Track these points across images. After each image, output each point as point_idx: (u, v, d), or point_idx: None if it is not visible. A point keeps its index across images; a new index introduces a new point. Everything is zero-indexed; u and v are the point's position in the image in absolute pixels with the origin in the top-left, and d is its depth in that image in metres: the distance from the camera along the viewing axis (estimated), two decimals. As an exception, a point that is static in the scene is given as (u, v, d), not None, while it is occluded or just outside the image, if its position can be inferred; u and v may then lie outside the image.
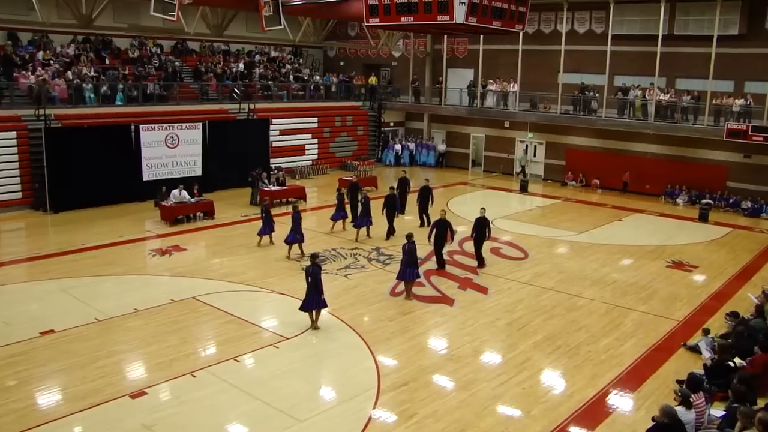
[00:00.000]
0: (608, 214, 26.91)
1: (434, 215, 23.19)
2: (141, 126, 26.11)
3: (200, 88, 31.54)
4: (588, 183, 32.53)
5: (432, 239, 18.22)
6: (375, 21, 17.08)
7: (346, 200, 22.90)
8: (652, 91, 29.70)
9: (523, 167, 34.36)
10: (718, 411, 10.43)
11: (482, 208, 18.70)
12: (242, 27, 35.48)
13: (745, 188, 28.44)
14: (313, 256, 14.15)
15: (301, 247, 19.54)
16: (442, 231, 18.94)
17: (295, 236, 19.17)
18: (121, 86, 28.33)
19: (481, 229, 18.41)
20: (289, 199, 26.89)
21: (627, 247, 21.93)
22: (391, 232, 21.42)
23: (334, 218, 22.39)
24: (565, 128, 33.20)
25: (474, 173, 37.23)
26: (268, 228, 20.36)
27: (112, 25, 30.18)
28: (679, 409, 9.67)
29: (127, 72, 29.69)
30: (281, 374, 12.16)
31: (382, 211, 21.23)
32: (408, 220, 23.04)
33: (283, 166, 32.05)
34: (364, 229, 21.49)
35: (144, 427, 10.35)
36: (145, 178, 26.30)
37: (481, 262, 18.54)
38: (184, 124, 27.50)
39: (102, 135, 25.25)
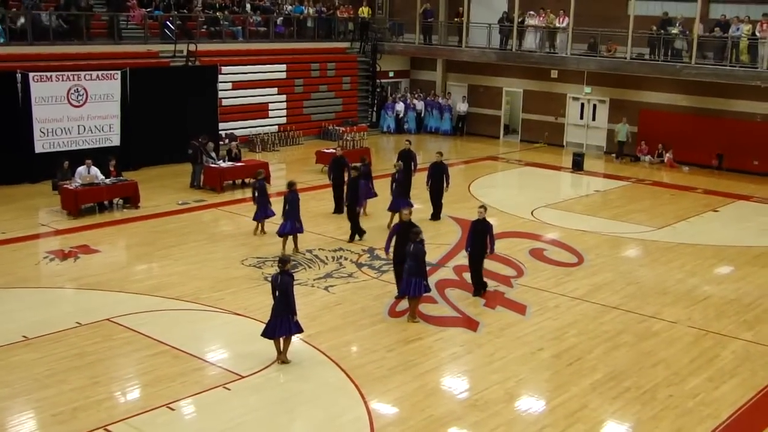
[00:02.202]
0: (698, 202, 26.95)
1: (452, 203, 23.28)
2: (30, 74, 25.97)
3: (117, 21, 31.44)
4: (674, 158, 32.55)
5: (428, 186, 21.59)
6: None
7: (329, 180, 23.40)
8: (764, 26, 29.70)
9: (621, 144, 33.76)
10: None
11: (481, 207, 17.97)
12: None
13: None
14: (283, 262, 14.13)
15: (296, 240, 19.99)
16: (439, 176, 20.26)
17: (294, 225, 19.79)
18: None
19: (480, 237, 17.59)
20: (246, 180, 26.88)
21: (725, 248, 21.93)
22: (355, 231, 21.31)
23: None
24: (638, 80, 33.19)
25: (507, 144, 37.24)
26: (264, 210, 21.19)
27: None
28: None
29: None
30: (235, 428, 12.10)
31: (344, 202, 21.28)
32: (414, 212, 23.00)
33: (238, 133, 32.03)
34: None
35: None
36: (38, 149, 26.23)
37: (481, 287, 18.15)
38: (94, 73, 27.39)
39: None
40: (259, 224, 21.51)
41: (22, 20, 28.51)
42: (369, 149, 30.62)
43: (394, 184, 22.40)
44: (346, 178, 22.54)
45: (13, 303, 16.62)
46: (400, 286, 16.79)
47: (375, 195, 23.51)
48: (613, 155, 33.84)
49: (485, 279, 17.88)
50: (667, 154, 32.46)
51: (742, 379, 14.20)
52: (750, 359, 15.02)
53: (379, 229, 21.77)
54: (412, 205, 22.16)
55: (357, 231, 21.21)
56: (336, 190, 23.35)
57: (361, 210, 21.85)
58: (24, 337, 14.90)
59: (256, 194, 21.36)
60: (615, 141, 33.78)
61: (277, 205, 20.96)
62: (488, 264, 19.45)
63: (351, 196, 21.24)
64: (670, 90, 32.75)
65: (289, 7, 38.63)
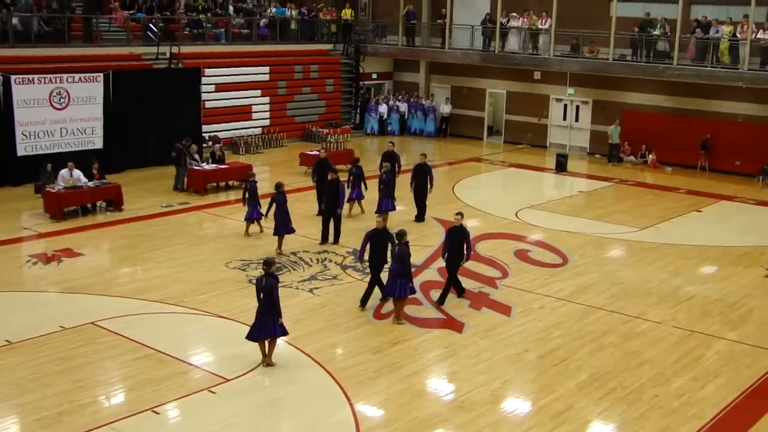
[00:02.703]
0: (682, 202, 27.05)
1: (436, 204, 23.29)
2: (12, 77, 25.84)
3: (99, 24, 31.28)
4: (657, 159, 32.65)
5: (412, 187, 22.50)
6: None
7: (313, 182, 23.41)
8: (745, 27, 29.88)
9: (613, 146, 33.43)
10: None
11: (458, 213, 17.44)
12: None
13: None
14: (268, 264, 14.08)
15: (280, 241, 20.18)
16: (423, 177, 21.35)
17: (287, 226, 20.11)
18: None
19: (457, 242, 17.25)
20: (230, 182, 26.83)
21: (709, 248, 22.02)
22: (325, 236, 21.14)
23: (349, 199, 23.50)
24: (621, 81, 33.31)
25: (491, 145, 37.30)
26: (254, 211, 21.25)
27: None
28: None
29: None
30: (220, 431, 12.04)
31: (320, 205, 21.20)
32: (398, 213, 23.03)
33: (221, 135, 31.95)
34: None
35: None
36: (20, 152, 26.12)
37: (460, 291, 17.81)
38: (76, 75, 27.28)
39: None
40: (249, 225, 21.52)
41: (15, 21, 28.43)
42: (353, 151, 30.57)
43: (381, 186, 22.44)
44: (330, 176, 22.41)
45: (-4, 307, 16.54)
46: (383, 289, 16.73)
47: (362, 197, 23.60)
48: (604, 157, 33.73)
49: (463, 285, 17.78)
50: (651, 156, 32.56)
51: (726, 378, 14.26)
52: (734, 359, 15.08)
53: (365, 231, 21.81)
54: (393, 208, 22.22)
55: (325, 234, 21.11)
56: (320, 192, 23.32)
57: (342, 211, 21.60)
58: (7, 341, 14.79)
59: (247, 195, 21.35)
60: (608, 143, 33.55)
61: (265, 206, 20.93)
62: (473, 266, 19.50)
63: (328, 199, 21.03)
64: (653, 91, 32.86)
65: (273, 10, 38.59)
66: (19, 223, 22.50)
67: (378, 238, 16.73)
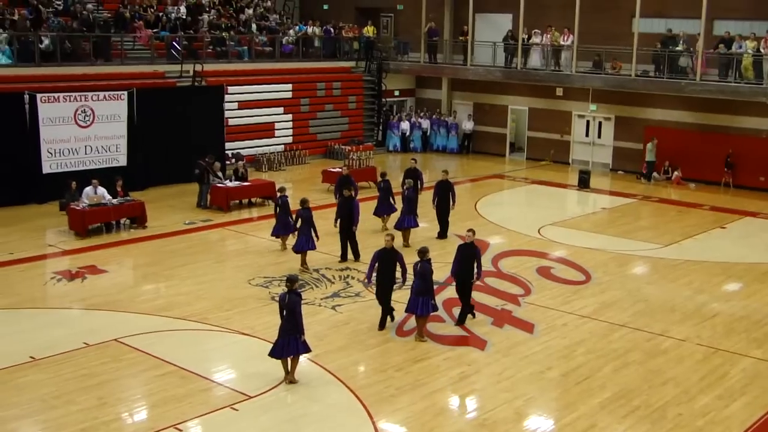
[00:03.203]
0: (705, 219, 26.90)
1: (458, 221, 23.25)
2: (38, 95, 26.08)
3: (124, 43, 31.57)
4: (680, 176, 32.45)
5: (435, 204, 22.74)
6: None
7: (336, 199, 23.28)
8: (769, 43, 29.78)
9: (650, 164, 32.82)
10: None
11: (469, 231, 17.36)
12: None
13: None
14: (291, 281, 14.10)
15: (304, 257, 20.23)
16: (445, 194, 21.98)
17: (308, 242, 20.05)
18: (6, 37, 28.30)
19: (467, 262, 17.04)
20: (252, 200, 26.93)
21: (734, 265, 21.88)
22: (344, 254, 21.15)
23: (378, 213, 23.93)
24: (643, 97, 33.20)
25: (513, 162, 37.24)
26: (285, 226, 21.34)
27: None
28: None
29: (17, 17, 29.68)
30: (241, 448, 12.11)
31: (335, 222, 21.19)
32: (421, 230, 23.03)
33: (244, 153, 32.07)
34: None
35: None
36: (46, 170, 26.30)
37: (469, 310, 17.52)
38: (101, 93, 27.50)
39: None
40: (284, 239, 21.65)
41: (46, 42, 28.76)
42: (375, 168, 30.61)
43: (404, 202, 22.55)
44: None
45: (21, 324, 16.63)
46: (386, 307, 16.74)
47: (394, 210, 23.71)
48: (628, 173, 33.33)
49: (485, 302, 17.71)
50: (675, 173, 32.34)
51: (752, 397, 14.12)
52: (760, 377, 14.94)
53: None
54: (416, 225, 22.25)
55: (344, 253, 21.10)
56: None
57: (356, 228, 21.42)
58: (31, 357, 14.89)
59: (278, 210, 21.43)
60: (645, 161, 32.96)
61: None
62: (496, 282, 19.50)
63: (342, 216, 20.88)
64: (676, 107, 32.74)
65: (295, 28, 38.74)
66: (44, 240, 22.68)
67: (386, 258, 16.58)
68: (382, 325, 16.66)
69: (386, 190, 23.71)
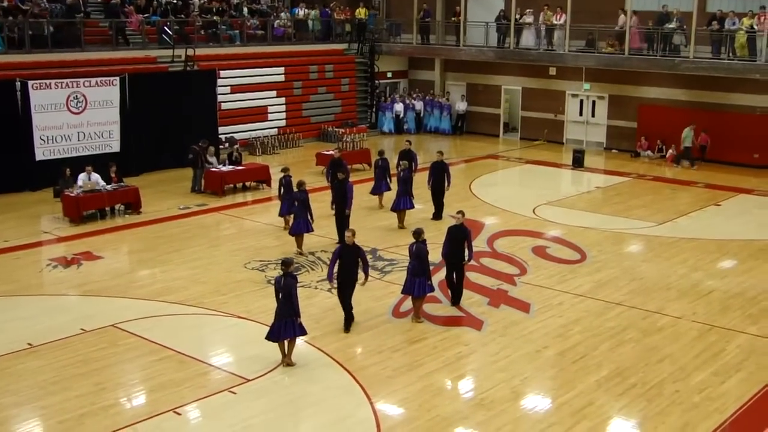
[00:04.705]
0: (700, 197, 26.95)
1: (453, 202, 23.27)
2: (29, 82, 26.01)
3: (115, 28, 31.46)
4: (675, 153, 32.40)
5: (430, 185, 22.63)
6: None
7: (327, 182, 23.31)
8: (762, 19, 29.70)
9: (687, 149, 31.63)
10: None
11: (458, 212, 17.19)
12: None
13: None
14: (286, 264, 14.13)
15: (300, 240, 20.18)
16: (440, 175, 22.01)
17: (308, 225, 20.09)
18: (-3, 25, 28.27)
19: (457, 244, 16.90)
20: (247, 183, 26.92)
21: (728, 242, 21.93)
22: (342, 239, 20.97)
23: (374, 192, 24.36)
24: (637, 76, 33.18)
25: (507, 142, 37.24)
26: (291, 206, 21.12)
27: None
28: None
29: (6, 4, 29.57)
30: (241, 431, 12.12)
31: (332, 205, 21.14)
32: (416, 211, 23.05)
33: (237, 137, 32.01)
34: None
35: None
36: (39, 157, 26.28)
37: (458, 295, 17.40)
38: (92, 79, 27.42)
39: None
40: (287, 219, 21.62)
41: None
42: (369, 150, 30.57)
43: (399, 184, 22.62)
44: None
45: (18, 311, 16.65)
46: (347, 309, 15.85)
47: (389, 189, 23.98)
48: (686, 161, 31.72)
49: (481, 282, 17.76)
50: (670, 150, 32.33)
51: (747, 373, 14.21)
52: (755, 353, 15.02)
53: (383, 230, 21.95)
54: (411, 206, 22.26)
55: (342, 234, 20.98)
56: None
57: (350, 211, 21.31)
58: (29, 344, 14.92)
59: (282, 191, 21.44)
60: (681, 147, 31.83)
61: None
62: (491, 263, 19.53)
63: (338, 199, 20.81)
64: (669, 85, 32.73)
65: (286, 11, 38.62)
66: (39, 228, 22.66)
67: (347, 255, 15.59)
68: (347, 327, 15.76)
69: (383, 168, 23.92)
